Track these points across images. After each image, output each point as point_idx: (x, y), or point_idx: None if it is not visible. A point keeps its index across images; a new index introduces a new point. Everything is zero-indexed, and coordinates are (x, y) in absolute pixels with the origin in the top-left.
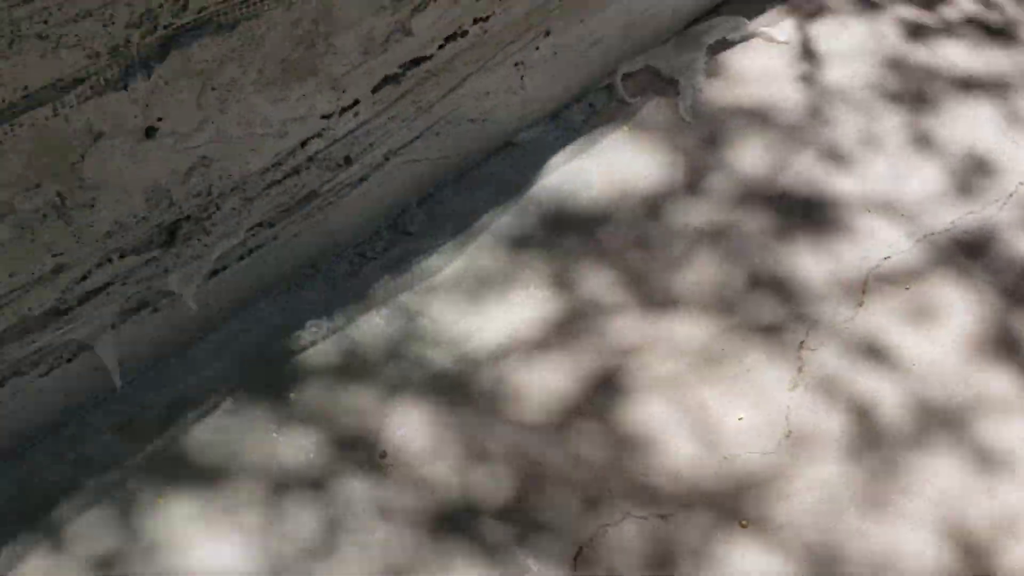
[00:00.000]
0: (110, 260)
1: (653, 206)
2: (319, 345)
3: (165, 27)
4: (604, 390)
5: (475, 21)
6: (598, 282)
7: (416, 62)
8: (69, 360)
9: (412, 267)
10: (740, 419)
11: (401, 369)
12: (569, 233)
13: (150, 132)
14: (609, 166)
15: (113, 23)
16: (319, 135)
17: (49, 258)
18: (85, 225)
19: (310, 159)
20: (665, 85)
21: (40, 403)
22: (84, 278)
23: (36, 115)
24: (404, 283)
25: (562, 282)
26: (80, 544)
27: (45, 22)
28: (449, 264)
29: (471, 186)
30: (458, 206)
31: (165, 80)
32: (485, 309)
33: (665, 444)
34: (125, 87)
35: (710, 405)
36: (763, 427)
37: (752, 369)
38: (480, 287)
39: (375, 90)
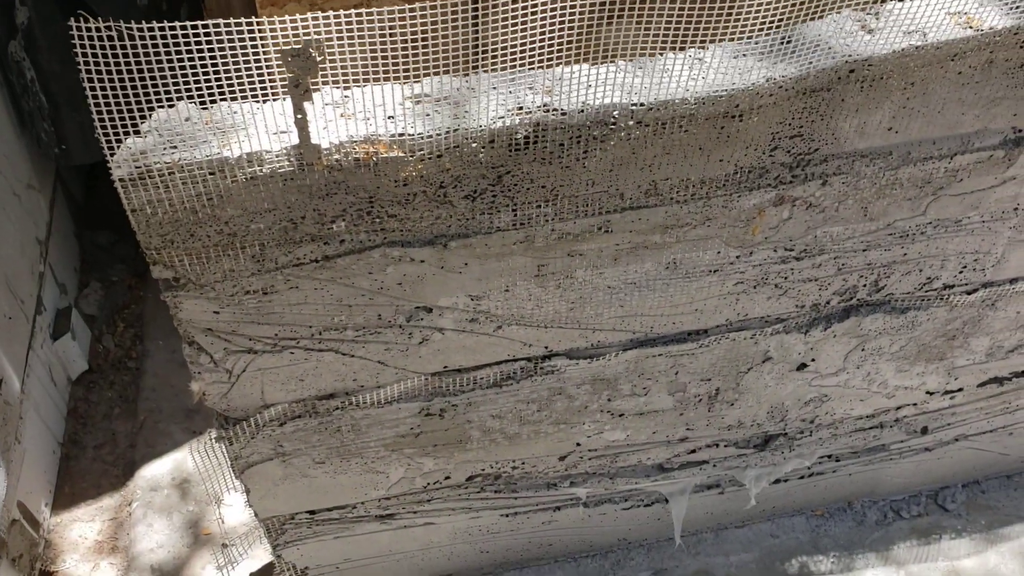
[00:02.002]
0: (717, 445)
1: None
2: (835, 575)
3: (857, 300)
4: None
5: None
6: None
7: None
8: (647, 505)
9: (939, 541)
10: None
11: None
12: None
13: (801, 367)
14: None
15: (827, 289)
16: (914, 405)
17: (683, 429)
18: (718, 416)
19: (896, 420)
20: None
21: (612, 528)
22: (693, 451)
23: (740, 335)
24: (927, 552)
25: None
26: None
27: (785, 278)
28: (975, 551)
29: (1019, 487)
30: (1001, 502)
31: (835, 335)
32: None
33: None
34: (806, 332)
35: None
36: None
37: None
38: None
39: (980, 385)
